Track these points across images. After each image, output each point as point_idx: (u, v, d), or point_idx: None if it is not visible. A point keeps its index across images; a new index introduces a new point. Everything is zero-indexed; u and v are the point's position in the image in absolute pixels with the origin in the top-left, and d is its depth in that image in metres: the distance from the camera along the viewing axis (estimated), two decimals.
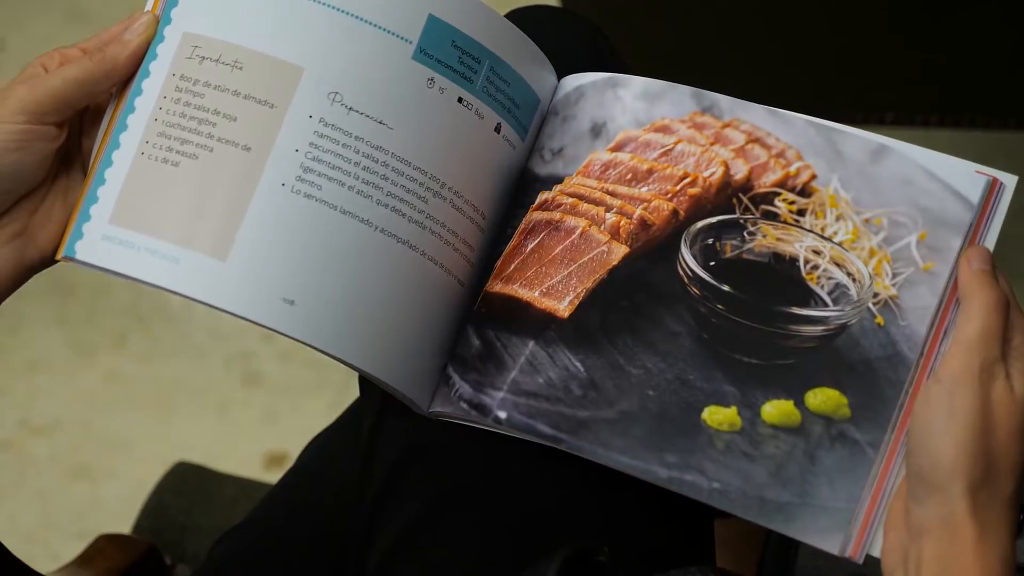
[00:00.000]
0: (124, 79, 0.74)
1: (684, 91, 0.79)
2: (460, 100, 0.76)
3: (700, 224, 0.77)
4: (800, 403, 0.73)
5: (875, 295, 0.74)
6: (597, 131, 0.80)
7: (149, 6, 0.75)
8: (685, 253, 0.76)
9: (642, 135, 0.79)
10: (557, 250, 0.78)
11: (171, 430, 1.67)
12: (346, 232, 0.73)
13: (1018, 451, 0.67)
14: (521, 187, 0.81)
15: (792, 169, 0.77)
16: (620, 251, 0.77)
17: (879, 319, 0.74)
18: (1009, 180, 0.74)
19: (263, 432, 1.66)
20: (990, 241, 0.73)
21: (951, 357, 0.68)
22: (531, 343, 0.76)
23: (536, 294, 0.77)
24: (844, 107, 1.31)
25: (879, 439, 0.71)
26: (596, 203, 0.78)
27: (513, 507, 0.80)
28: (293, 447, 1.33)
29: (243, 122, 0.72)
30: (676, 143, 0.79)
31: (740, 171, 0.78)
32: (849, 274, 0.75)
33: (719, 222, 0.77)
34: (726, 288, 0.75)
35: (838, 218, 0.76)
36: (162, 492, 1.11)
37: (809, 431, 0.72)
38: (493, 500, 0.81)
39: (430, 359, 0.77)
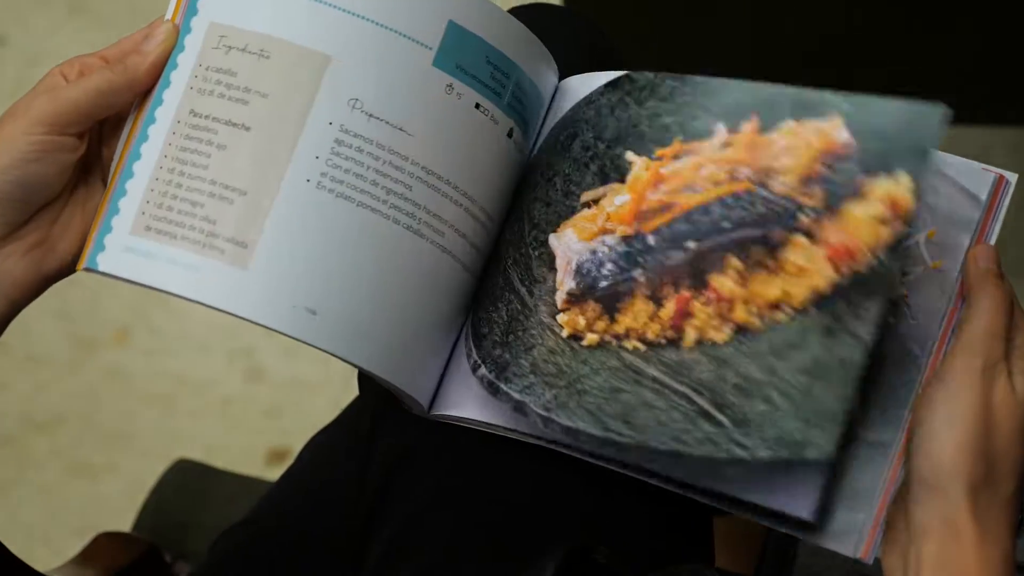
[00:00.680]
0: (145, 90, 0.74)
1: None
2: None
3: None
4: None
5: None
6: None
7: (172, 4, 0.75)
8: None
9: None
10: None
11: (173, 425, 1.67)
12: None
13: (1019, 452, 0.67)
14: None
15: None
16: None
17: (890, 318, 0.73)
18: (1012, 177, 0.74)
19: (266, 427, 1.66)
20: (992, 239, 0.74)
21: (954, 357, 0.68)
22: None
23: None
24: None
25: (891, 439, 0.71)
26: None
27: (511, 507, 0.80)
28: (296, 443, 1.33)
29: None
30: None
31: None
32: None
33: None
34: None
35: None
36: (163, 488, 1.11)
37: None
38: (490, 500, 0.81)
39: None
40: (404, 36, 0.74)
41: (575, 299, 0.76)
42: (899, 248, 0.69)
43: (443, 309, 0.77)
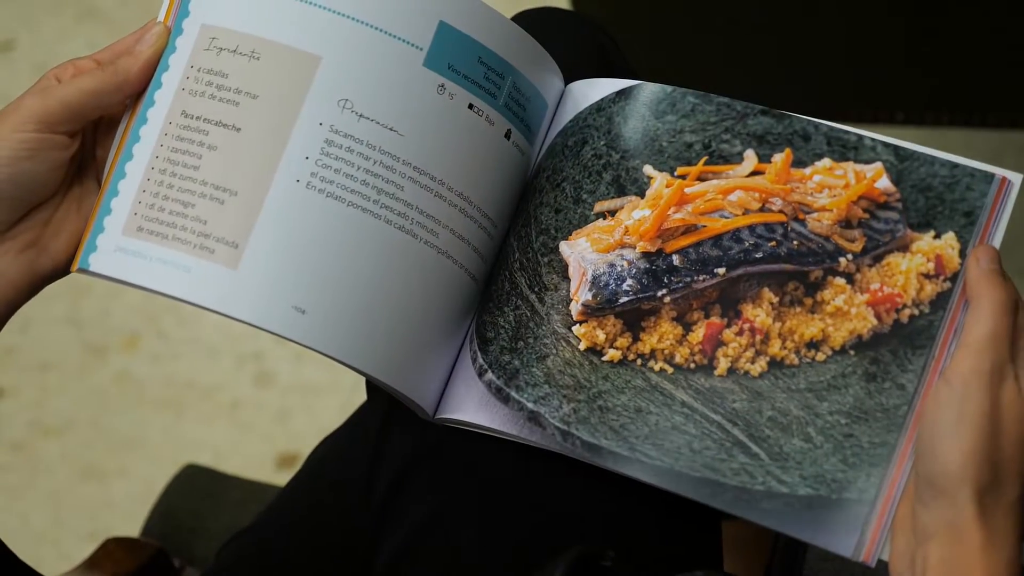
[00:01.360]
0: (136, 91, 0.75)
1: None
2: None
3: None
4: None
5: None
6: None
7: (164, 7, 0.76)
8: None
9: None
10: None
11: (182, 430, 1.67)
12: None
13: None
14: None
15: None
16: None
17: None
18: (1015, 178, 0.74)
19: (275, 432, 1.66)
20: (996, 240, 0.73)
21: (961, 359, 0.68)
22: None
23: None
24: (853, 105, 1.31)
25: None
26: None
27: (518, 512, 0.80)
28: (305, 447, 1.33)
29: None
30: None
31: None
32: None
33: None
34: None
35: None
36: (172, 494, 1.11)
37: None
38: (498, 505, 0.81)
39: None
40: (394, 37, 0.74)
41: (592, 311, 0.76)
42: (943, 303, 0.71)
43: (440, 310, 0.76)
